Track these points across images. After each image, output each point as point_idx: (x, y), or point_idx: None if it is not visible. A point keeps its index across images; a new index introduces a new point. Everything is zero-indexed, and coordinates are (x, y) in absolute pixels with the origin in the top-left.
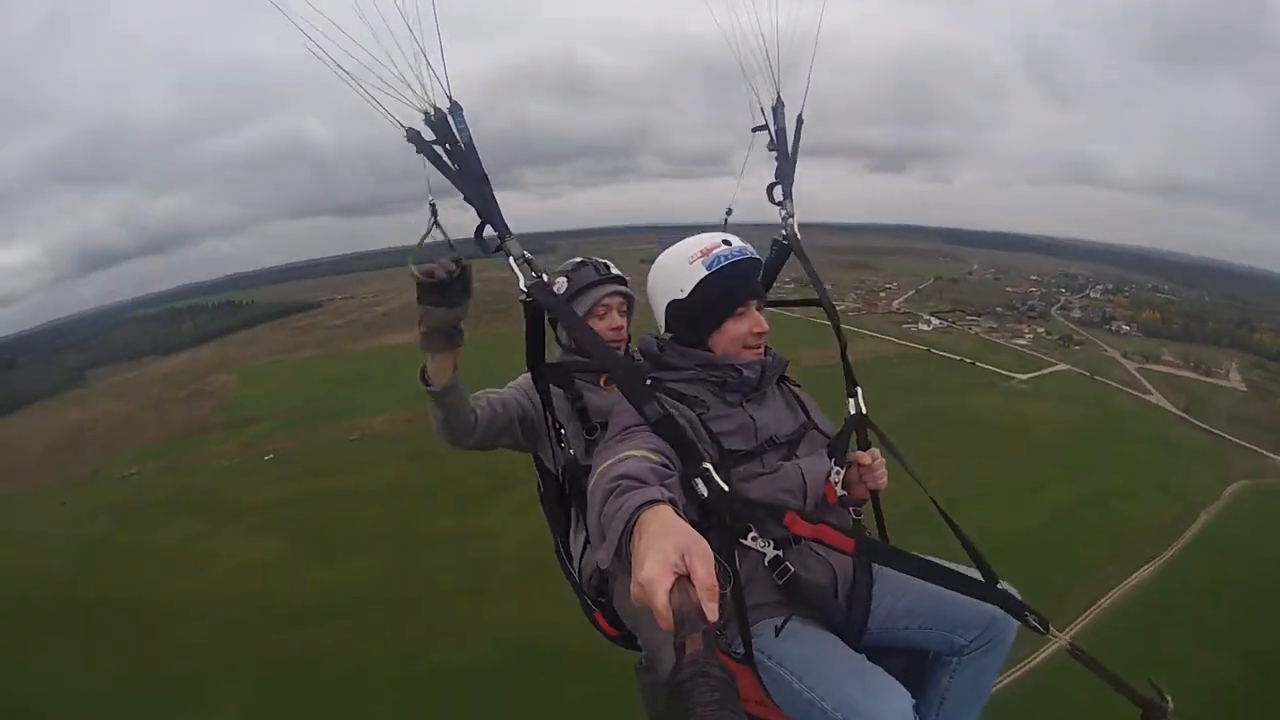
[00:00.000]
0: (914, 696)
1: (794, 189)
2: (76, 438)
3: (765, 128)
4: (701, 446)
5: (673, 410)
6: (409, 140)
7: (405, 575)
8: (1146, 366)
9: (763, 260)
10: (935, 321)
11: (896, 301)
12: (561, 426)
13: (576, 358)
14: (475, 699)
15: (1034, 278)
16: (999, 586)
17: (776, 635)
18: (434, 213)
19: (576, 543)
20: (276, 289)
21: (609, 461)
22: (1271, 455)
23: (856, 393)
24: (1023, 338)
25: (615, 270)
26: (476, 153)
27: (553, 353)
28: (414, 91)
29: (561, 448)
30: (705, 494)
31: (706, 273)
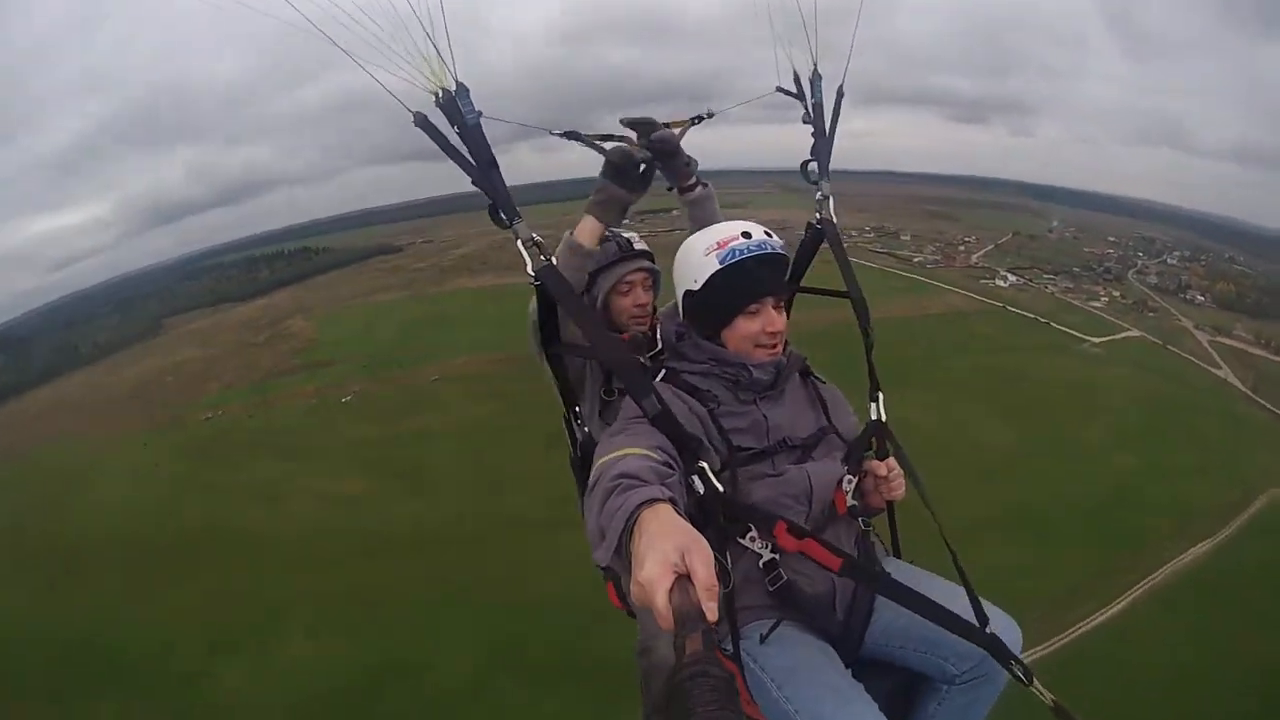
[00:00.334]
0: None
1: (830, 162)
2: (156, 384)
3: (796, 95)
4: (710, 443)
5: (684, 403)
6: (417, 125)
7: (484, 512)
8: (1218, 339)
9: (787, 255)
10: (1012, 278)
11: (975, 256)
12: (578, 405)
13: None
14: (552, 632)
15: (1112, 239)
16: (988, 631)
17: (762, 641)
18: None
19: None
20: (355, 234)
21: (609, 457)
22: None
23: (879, 398)
24: (1098, 300)
25: (640, 245)
26: (484, 135)
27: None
28: (424, 74)
29: (578, 424)
30: (701, 492)
31: (719, 267)
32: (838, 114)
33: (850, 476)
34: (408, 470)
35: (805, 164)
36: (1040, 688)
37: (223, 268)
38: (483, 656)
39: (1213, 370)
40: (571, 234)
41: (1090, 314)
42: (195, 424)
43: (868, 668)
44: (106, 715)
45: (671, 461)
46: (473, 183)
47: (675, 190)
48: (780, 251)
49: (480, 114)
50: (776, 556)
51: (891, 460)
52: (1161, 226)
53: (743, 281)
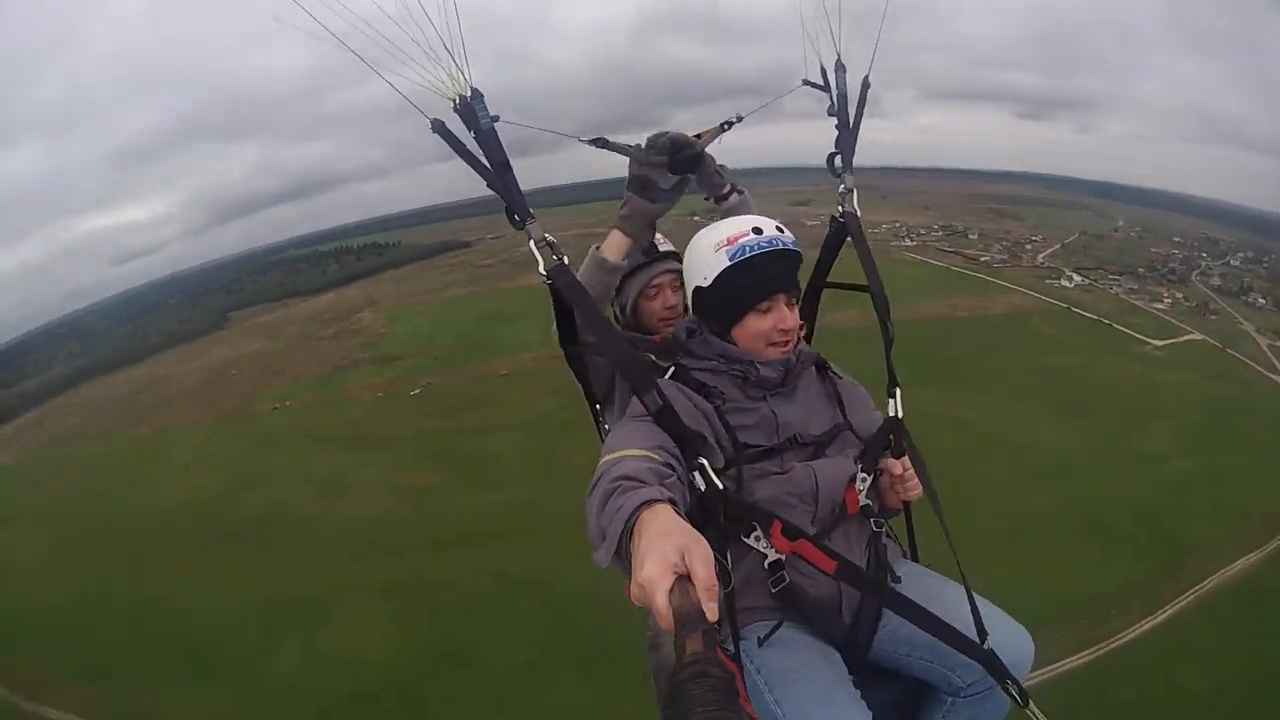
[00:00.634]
0: None
1: (854, 159)
2: (222, 375)
3: (823, 87)
4: (717, 440)
5: (690, 400)
6: (434, 131)
7: (546, 505)
8: (1278, 344)
9: (800, 251)
10: (1077, 278)
11: (1041, 256)
12: (600, 404)
13: (631, 334)
14: (603, 620)
15: (1177, 239)
16: (986, 647)
17: (760, 644)
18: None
19: None
20: (425, 230)
21: (609, 458)
22: None
23: (896, 394)
24: (1162, 302)
25: (666, 246)
26: (499, 139)
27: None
28: (444, 81)
29: (601, 421)
30: (702, 488)
31: (729, 263)
32: (863, 106)
33: (864, 475)
34: (473, 463)
35: (831, 157)
36: (1036, 711)
37: (290, 262)
38: (536, 646)
39: (1272, 376)
40: (598, 248)
41: (1154, 316)
42: (262, 415)
43: (876, 674)
44: (164, 696)
45: (672, 461)
46: (487, 185)
47: (712, 200)
48: (792, 248)
49: (496, 118)
50: (782, 557)
51: (908, 459)
52: (1225, 227)
53: (753, 278)
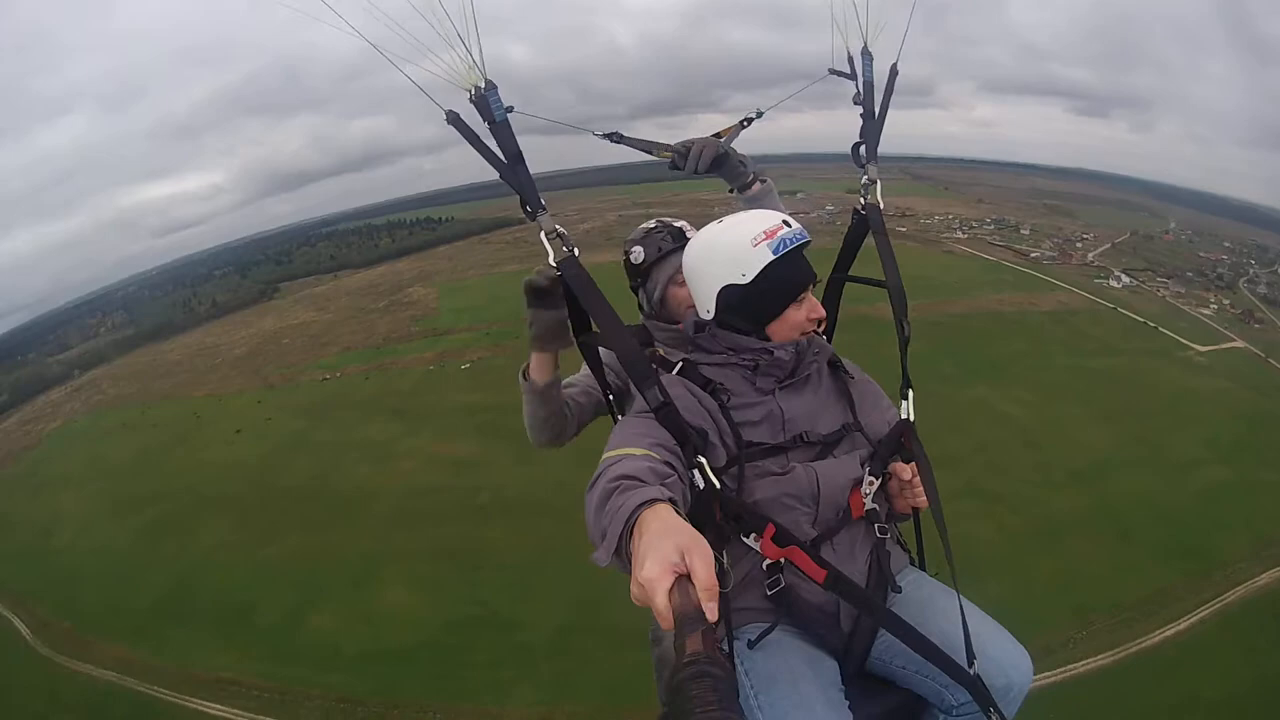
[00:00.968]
0: None
1: (879, 148)
2: (272, 345)
3: (849, 75)
4: (721, 437)
5: (694, 396)
6: (449, 122)
7: (585, 481)
8: None
9: (810, 240)
10: (1126, 279)
11: (1091, 254)
12: (612, 395)
13: (658, 323)
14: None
15: (1227, 244)
16: (973, 671)
17: (750, 646)
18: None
19: None
20: (478, 205)
21: (609, 455)
22: None
23: (909, 395)
24: (1207, 307)
25: (692, 233)
26: (512, 131)
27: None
28: (460, 71)
29: (616, 414)
30: (701, 486)
31: (773, 257)
32: (890, 94)
33: (871, 478)
34: (518, 437)
35: (856, 146)
36: None
37: (341, 235)
38: (571, 615)
39: None
40: (523, 377)
41: (1198, 321)
42: (311, 384)
43: (874, 683)
44: (201, 654)
45: (673, 460)
46: (500, 177)
47: (736, 191)
48: (809, 238)
49: (511, 109)
50: (782, 559)
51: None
52: (1275, 235)
53: (796, 270)
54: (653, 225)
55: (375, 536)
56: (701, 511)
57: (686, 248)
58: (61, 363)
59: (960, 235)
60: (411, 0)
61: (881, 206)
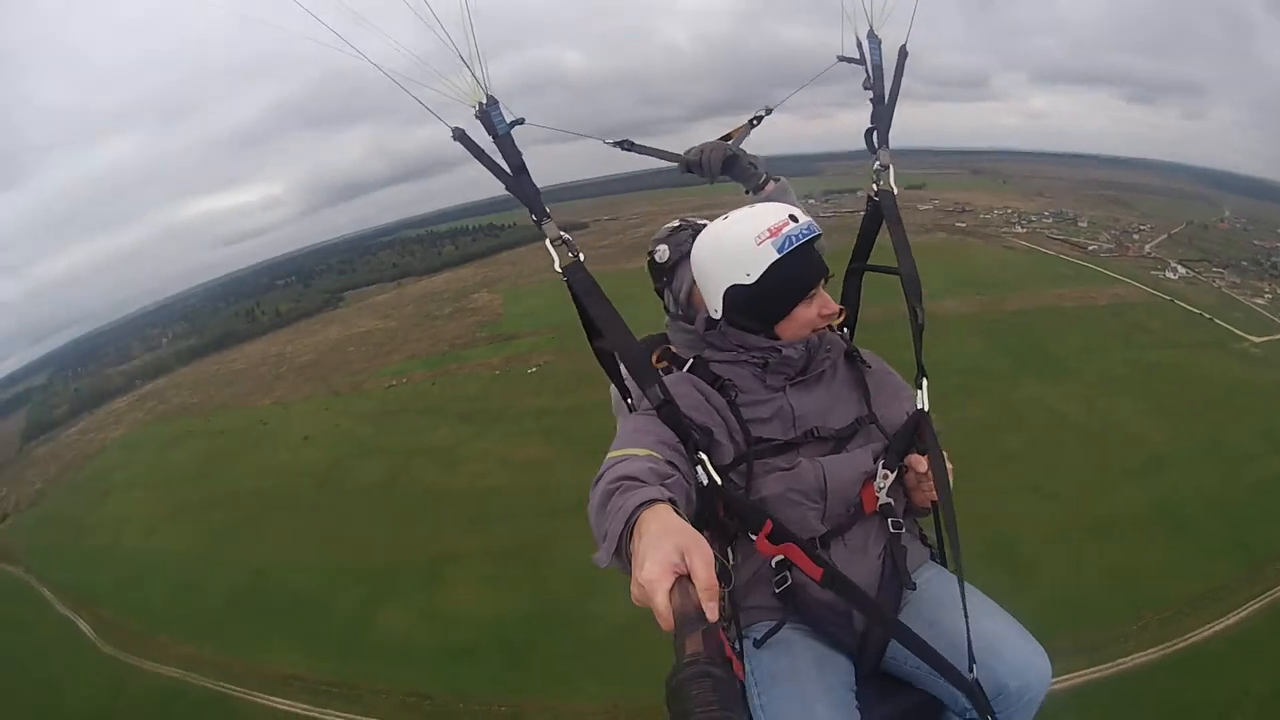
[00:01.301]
0: None
1: (890, 134)
2: (337, 353)
3: (858, 61)
4: (730, 434)
5: (702, 393)
6: (455, 138)
7: None
8: None
9: (821, 234)
10: (1181, 270)
11: (1148, 246)
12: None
13: (683, 323)
14: None
15: None
16: (971, 677)
17: (757, 645)
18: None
19: None
20: None
21: (611, 456)
22: None
23: (923, 385)
24: (1262, 296)
25: None
26: (514, 143)
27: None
28: (466, 87)
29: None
30: (704, 483)
31: (778, 255)
32: (900, 78)
33: (886, 472)
34: (584, 439)
35: (869, 132)
36: None
37: (404, 243)
38: (636, 611)
39: None
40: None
41: (1253, 311)
42: (377, 391)
43: (891, 683)
44: (266, 653)
45: (675, 459)
46: (506, 188)
47: (751, 192)
48: (820, 231)
49: (519, 122)
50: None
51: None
52: None
53: (804, 268)
54: (676, 224)
55: (444, 536)
56: (707, 509)
57: (693, 247)
58: (123, 373)
59: (1019, 229)
60: (421, 16)
61: (895, 192)
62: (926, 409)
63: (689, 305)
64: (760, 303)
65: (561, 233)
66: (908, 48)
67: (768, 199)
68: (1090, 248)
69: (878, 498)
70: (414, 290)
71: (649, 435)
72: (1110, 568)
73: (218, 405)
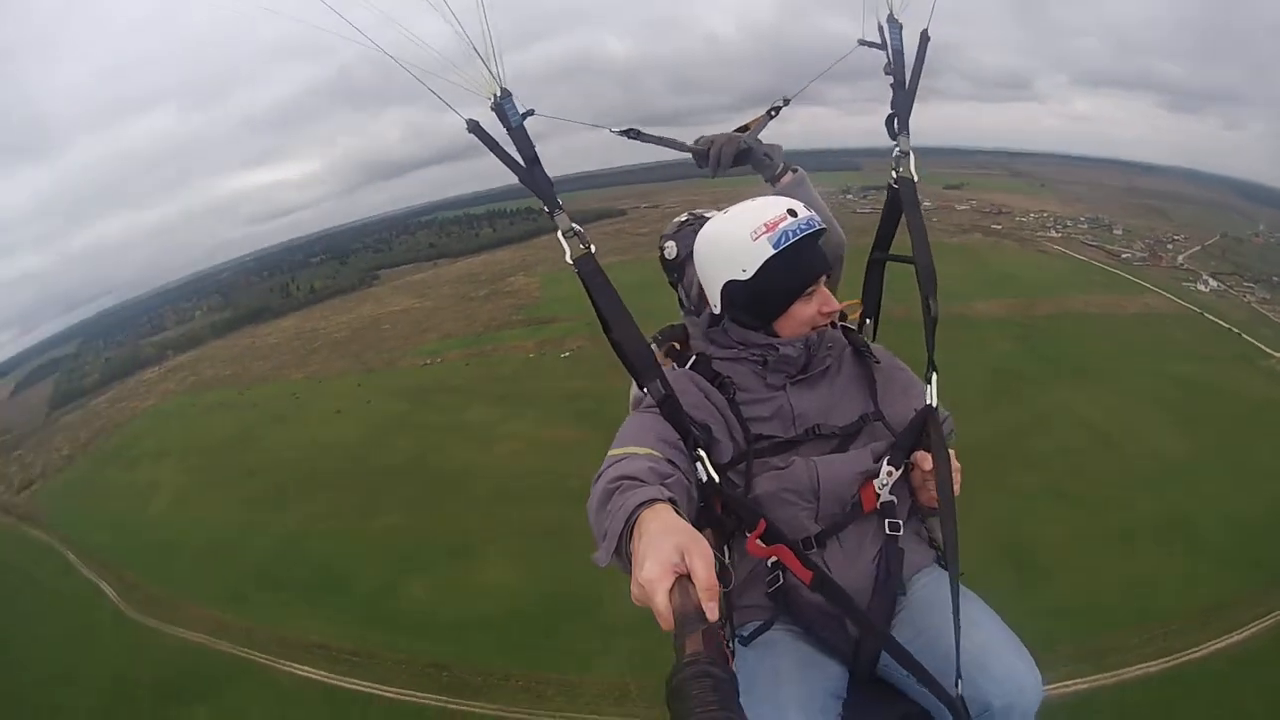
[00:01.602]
0: None
1: (911, 121)
2: (372, 331)
3: (879, 45)
4: (730, 433)
5: (702, 391)
6: (469, 130)
7: None
8: None
9: (825, 229)
10: (1213, 283)
11: (1181, 256)
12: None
13: (695, 319)
14: None
15: None
16: (955, 692)
17: (744, 644)
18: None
19: None
20: (580, 196)
21: (612, 454)
22: None
23: (933, 380)
24: None
25: None
26: (528, 135)
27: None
28: (482, 79)
29: None
30: (703, 479)
31: (773, 252)
32: (921, 62)
33: (890, 469)
34: (617, 424)
35: (890, 119)
36: None
37: (441, 224)
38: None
39: None
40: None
41: None
42: (411, 369)
43: (886, 690)
44: (294, 621)
45: (675, 457)
46: (519, 179)
47: (770, 183)
48: (821, 225)
49: (529, 113)
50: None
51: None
52: None
53: (800, 265)
54: (685, 218)
55: (474, 514)
56: (707, 507)
57: (695, 242)
58: (155, 344)
59: (1054, 234)
60: (438, 9)
61: (916, 179)
62: (935, 405)
63: (700, 301)
64: (757, 299)
65: (574, 224)
66: (929, 32)
67: (783, 190)
68: (1124, 255)
69: (878, 496)
70: (450, 271)
71: (650, 433)
72: (1122, 577)
73: (250, 378)
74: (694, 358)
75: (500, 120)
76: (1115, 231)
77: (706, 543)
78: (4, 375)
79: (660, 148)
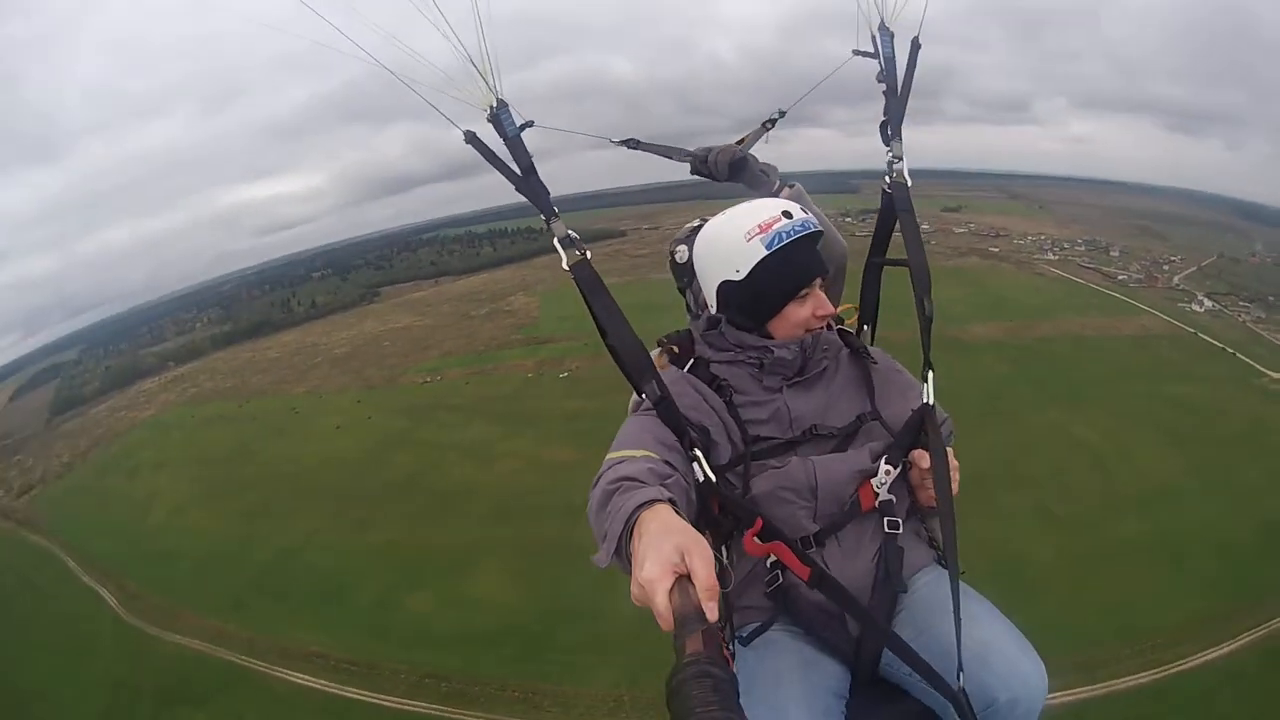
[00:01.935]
0: None
1: (905, 130)
2: (372, 347)
3: (872, 55)
4: (728, 434)
5: (700, 393)
6: (466, 141)
7: None
8: None
9: (822, 231)
10: (1208, 303)
11: (1178, 277)
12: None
13: (697, 321)
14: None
15: None
16: (957, 686)
17: (743, 644)
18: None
19: None
20: (580, 216)
21: (611, 456)
22: None
23: (929, 378)
24: None
25: None
26: (524, 145)
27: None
28: (478, 90)
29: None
30: (700, 479)
31: (766, 253)
32: (913, 69)
33: (888, 468)
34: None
35: (883, 124)
36: None
37: (443, 241)
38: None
39: None
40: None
41: (1276, 346)
42: (411, 386)
43: (891, 690)
44: (292, 630)
45: (674, 459)
46: (515, 189)
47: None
48: (818, 227)
49: (528, 125)
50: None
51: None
52: None
53: (793, 266)
54: (696, 224)
55: (472, 530)
56: (705, 508)
57: (695, 243)
58: (156, 354)
59: (1051, 256)
60: (434, 22)
61: (909, 184)
62: (932, 403)
63: (703, 305)
64: (750, 300)
65: (570, 232)
66: (920, 39)
67: None
68: (1120, 278)
69: (876, 495)
70: (451, 289)
71: (647, 435)
72: (1108, 593)
73: (250, 392)
74: (692, 360)
75: (496, 130)
76: (1112, 253)
77: (707, 543)
78: (6, 379)
79: (661, 160)
